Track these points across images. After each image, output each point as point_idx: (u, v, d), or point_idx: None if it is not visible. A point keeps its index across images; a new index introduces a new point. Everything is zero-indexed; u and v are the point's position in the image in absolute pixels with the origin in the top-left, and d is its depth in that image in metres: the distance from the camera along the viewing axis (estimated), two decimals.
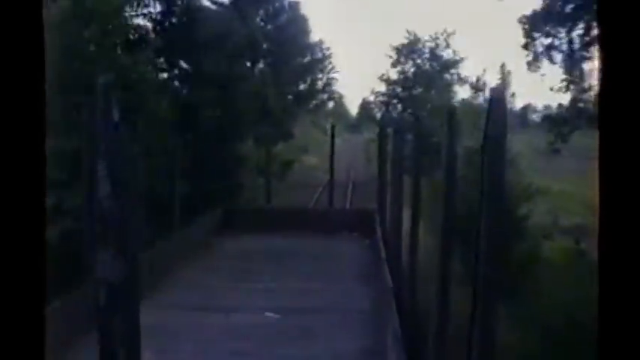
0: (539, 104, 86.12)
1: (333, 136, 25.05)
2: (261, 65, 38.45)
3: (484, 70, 72.10)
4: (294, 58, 43.49)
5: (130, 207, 2.52)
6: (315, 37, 63.31)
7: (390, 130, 17.63)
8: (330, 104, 73.49)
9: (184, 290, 12.62)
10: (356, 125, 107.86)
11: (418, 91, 49.20)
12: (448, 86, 50.16)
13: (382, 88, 50.92)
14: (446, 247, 6.69)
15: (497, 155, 4.10)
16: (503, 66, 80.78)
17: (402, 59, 51.15)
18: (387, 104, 50.52)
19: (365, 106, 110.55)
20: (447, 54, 50.61)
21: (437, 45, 50.74)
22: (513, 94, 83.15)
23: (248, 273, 13.98)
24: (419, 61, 51.05)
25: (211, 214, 19.34)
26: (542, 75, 26.44)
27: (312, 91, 48.23)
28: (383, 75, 50.23)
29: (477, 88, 48.62)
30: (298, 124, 47.50)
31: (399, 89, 50.35)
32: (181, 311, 11.13)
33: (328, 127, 42.96)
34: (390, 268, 11.87)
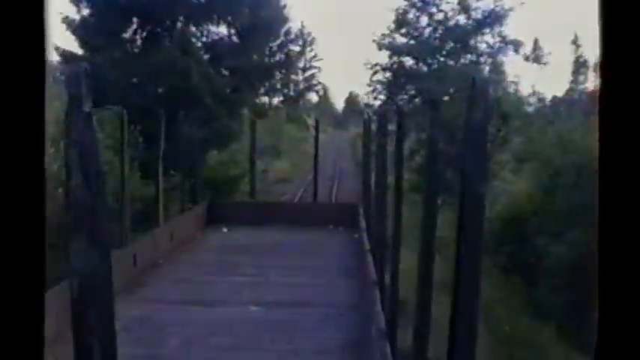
0: None
1: (317, 132, 24.69)
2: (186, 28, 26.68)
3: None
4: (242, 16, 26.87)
5: (102, 198, 2.51)
6: (296, 23, 59.20)
7: (373, 126, 17.61)
8: (313, 97, 70.59)
9: (169, 284, 12.60)
10: (342, 121, 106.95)
11: (440, 61, 32.11)
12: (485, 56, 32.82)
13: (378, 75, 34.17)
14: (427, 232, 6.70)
15: (477, 150, 4.10)
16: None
17: (412, 15, 32.91)
18: (390, 87, 33.47)
19: (352, 100, 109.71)
20: (483, 4, 32.38)
21: None
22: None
23: (233, 267, 13.97)
24: (439, 14, 32.35)
25: (196, 208, 19.30)
26: None
27: (267, 66, 29.81)
28: (384, 38, 32.86)
29: (536, 58, 34.68)
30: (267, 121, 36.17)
31: (409, 61, 32.97)
32: (166, 305, 11.11)
33: (310, 122, 40.16)
34: (375, 262, 11.90)
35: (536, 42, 34.33)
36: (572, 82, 69.77)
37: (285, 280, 13.05)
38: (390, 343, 7.85)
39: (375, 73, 33.83)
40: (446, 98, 29.18)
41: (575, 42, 69.77)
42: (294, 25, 39.39)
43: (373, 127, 17.76)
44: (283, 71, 35.75)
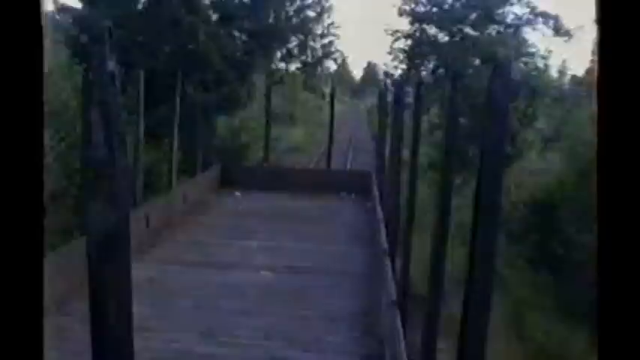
0: None
1: (332, 101, 24.32)
2: None
3: None
4: None
5: (123, 158, 2.49)
6: None
7: (390, 97, 17.45)
8: (332, 66, 70.20)
9: (181, 247, 12.66)
10: (359, 91, 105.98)
11: (464, 31, 30.06)
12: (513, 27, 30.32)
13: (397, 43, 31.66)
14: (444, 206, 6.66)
15: (497, 131, 4.05)
16: None
17: None
18: (412, 56, 31.34)
19: (370, 70, 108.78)
20: None
21: None
22: None
23: (245, 231, 14.01)
24: None
25: (209, 171, 19.31)
26: None
27: (281, 29, 28.27)
28: (405, 3, 30.78)
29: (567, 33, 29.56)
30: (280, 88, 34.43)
31: (432, 29, 30.92)
32: (178, 267, 11.17)
33: (327, 90, 38.95)
34: (387, 230, 11.89)
35: (557, 18, 29.56)
36: (592, 61, 68.69)
37: (297, 245, 13.08)
38: (401, 313, 7.86)
39: (396, 40, 31.73)
40: (470, 71, 27.75)
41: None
42: None
43: (390, 98, 17.60)
44: (300, 36, 34.60)
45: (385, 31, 31.74)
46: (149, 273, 10.21)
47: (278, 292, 10.08)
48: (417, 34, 31.14)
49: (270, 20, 26.73)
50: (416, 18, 30.81)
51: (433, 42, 30.89)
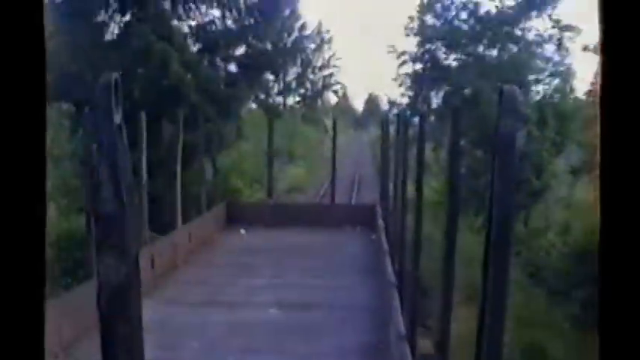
0: None
1: (335, 133, 23.77)
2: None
3: None
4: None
5: (132, 210, 2.50)
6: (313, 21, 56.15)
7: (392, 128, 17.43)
8: (332, 98, 69.07)
9: (188, 286, 12.62)
10: (362, 122, 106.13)
11: (478, 51, 27.20)
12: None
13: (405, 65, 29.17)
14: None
15: (509, 156, 3.82)
16: None
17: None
18: (420, 81, 28.65)
19: (372, 101, 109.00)
20: None
21: None
22: None
23: (252, 268, 13.98)
24: None
25: (215, 209, 19.31)
26: None
27: (272, 55, 25.08)
28: (412, 22, 28.36)
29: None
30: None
31: (440, 49, 28.10)
32: (186, 307, 11.13)
33: (329, 123, 37.34)
34: (393, 263, 11.85)
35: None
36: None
37: (304, 281, 13.04)
38: (410, 346, 7.81)
39: (403, 63, 29.30)
40: (484, 96, 24.74)
41: None
42: (310, 24, 37.45)
43: (392, 129, 17.59)
44: (298, 68, 33.45)
45: (390, 52, 29.36)
46: (157, 315, 10.16)
47: (286, 329, 10.03)
48: (427, 56, 28.54)
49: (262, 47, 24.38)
50: (425, 38, 28.33)
51: (444, 65, 28.11)
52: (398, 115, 18.82)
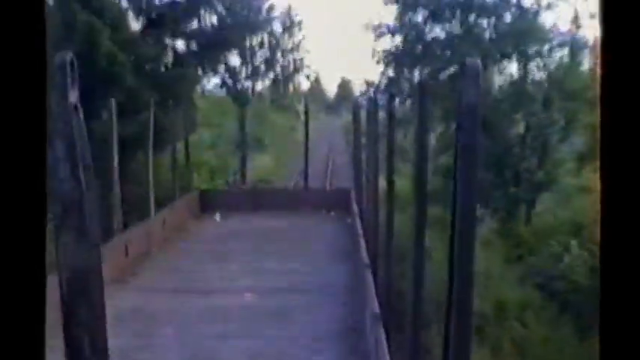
0: None
1: (307, 118, 23.12)
2: None
3: None
4: None
5: (90, 190, 2.46)
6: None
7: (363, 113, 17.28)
8: (304, 82, 68.41)
9: (162, 273, 12.56)
10: (334, 107, 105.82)
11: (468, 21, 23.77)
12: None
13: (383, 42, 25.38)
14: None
15: (472, 133, 3.76)
16: None
17: None
18: (401, 56, 24.89)
19: (344, 85, 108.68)
20: None
21: None
22: None
23: (226, 255, 13.94)
24: None
25: (188, 196, 19.22)
26: None
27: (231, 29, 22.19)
28: None
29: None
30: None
31: (424, 19, 24.34)
32: (160, 294, 11.08)
33: (300, 108, 35.90)
34: (367, 246, 11.88)
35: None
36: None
37: (279, 265, 13.02)
38: (385, 327, 7.84)
39: (380, 36, 25.54)
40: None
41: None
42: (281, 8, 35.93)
43: (363, 113, 17.45)
44: (266, 51, 30.69)
45: (365, 27, 26.03)
46: (130, 302, 10.11)
47: (262, 313, 10.01)
48: (408, 27, 24.93)
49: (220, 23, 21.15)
50: (406, 6, 24.56)
51: (428, 39, 24.68)
52: (369, 98, 18.48)
